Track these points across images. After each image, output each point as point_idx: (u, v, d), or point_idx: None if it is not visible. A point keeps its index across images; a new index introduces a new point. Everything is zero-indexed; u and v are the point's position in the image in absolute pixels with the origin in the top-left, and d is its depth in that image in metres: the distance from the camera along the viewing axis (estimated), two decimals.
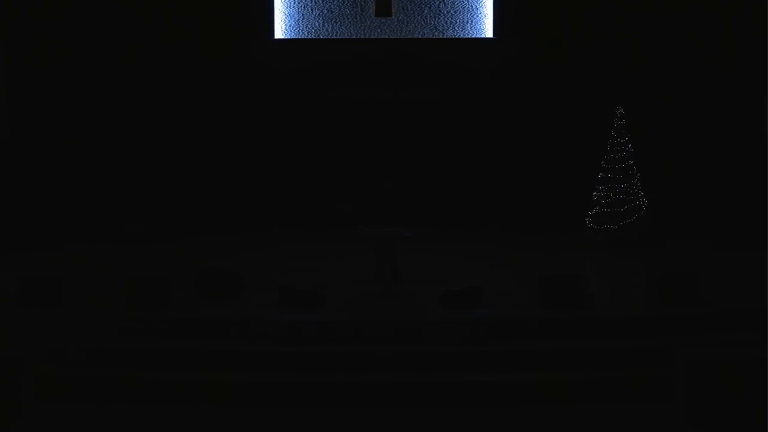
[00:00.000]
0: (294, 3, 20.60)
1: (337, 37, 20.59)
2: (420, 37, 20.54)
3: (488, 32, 20.46)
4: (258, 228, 20.08)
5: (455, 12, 20.53)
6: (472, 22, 20.51)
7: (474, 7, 20.50)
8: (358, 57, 20.38)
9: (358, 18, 20.65)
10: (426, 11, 20.56)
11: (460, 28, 20.54)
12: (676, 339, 11.59)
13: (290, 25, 20.61)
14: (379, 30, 20.62)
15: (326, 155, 20.53)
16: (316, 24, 20.62)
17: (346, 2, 20.65)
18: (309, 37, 20.61)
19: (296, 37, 20.60)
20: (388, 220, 13.56)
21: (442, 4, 20.53)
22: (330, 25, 20.61)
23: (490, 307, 12.52)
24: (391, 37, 20.55)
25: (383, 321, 11.94)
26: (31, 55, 19.81)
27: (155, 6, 20.03)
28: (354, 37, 20.58)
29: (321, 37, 20.61)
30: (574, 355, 11.36)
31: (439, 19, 20.54)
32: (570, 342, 11.64)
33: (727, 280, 14.07)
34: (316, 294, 12.58)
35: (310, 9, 20.61)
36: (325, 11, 20.62)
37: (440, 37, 20.54)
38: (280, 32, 20.58)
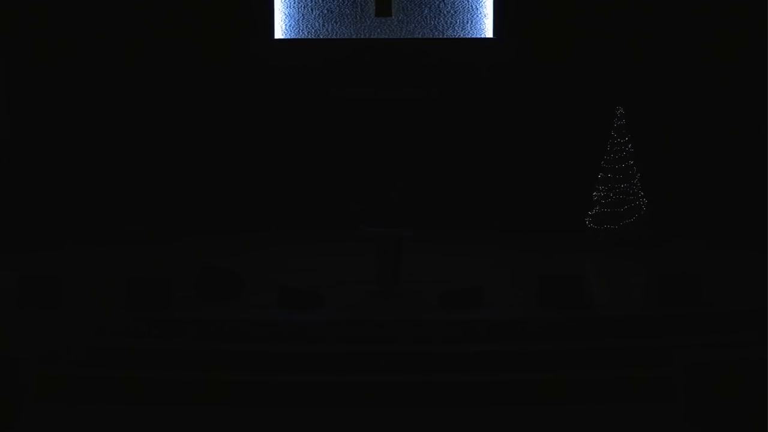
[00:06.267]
0: (294, 3, 20.61)
1: (337, 37, 20.60)
2: (420, 37, 20.54)
3: (488, 32, 20.46)
4: (258, 228, 20.08)
5: (455, 12, 20.53)
6: (472, 22, 20.52)
7: (474, 7, 20.51)
8: (358, 57, 20.39)
9: (358, 18, 20.65)
10: (426, 11, 20.57)
11: (460, 28, 20.54)
12: (676, 339, 11.60)
13: (290, 25, 20.62)
14: (379, 30, 20.62)
15: (326, 155, 20.53)
16: (316, 24, 20.63)
17: (346, 2, 20.65)
18: (309, 37, 20.62)
19: (296, 37, 20.61)
20: (390, 220, 13.54)
21: (442, 4, 20.53)
22: (330, 25, 20.61)
23: (490, 307, 12.52)
24: (391, 37, 20.56)
25: (383, 321, 11.94)
26: (30, 55, 19.81)
27: (155, 6, 20.03)
28: (354, 37, 20.58)
29: (321, 37, 20.61)
30: (574, 355, 11.36)
31: (439, 19, 20.54)
32: (570, 342, 11.64)
33: (727, 280, 14.06)
34: (316, 294, 12.58)
35: (310, 9, 20.61)
36: (325, 11, 20.62)
37: (440, 37, 20.54)
38: (280, 32, 20.58)
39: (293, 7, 20.61)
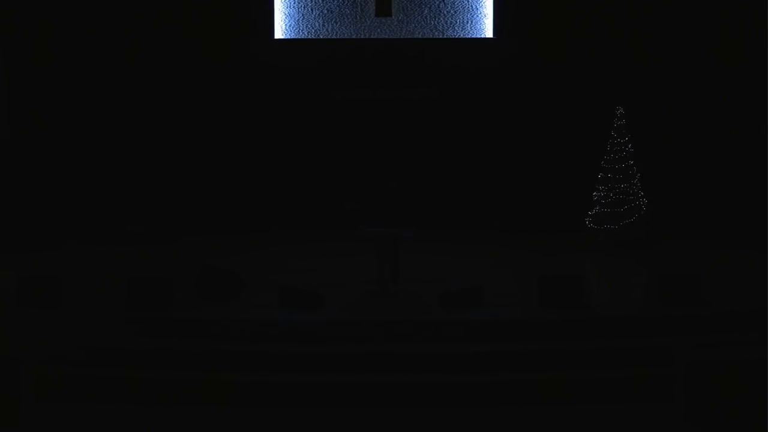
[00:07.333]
0: (294, 3, 20.60)
1: (337, 37, 20.59)
2: (420, 37, 20.53)
3: (488, 32, 20.46)
4: (258, 228, 20.07)
5: (455, 12, 20.53)
6: (472, 22, 20.51)
7: (474, 7, 20.50)
8: (358, 57, 20.38)
9: (358, 18, 20.65)
10: (426, 11, 20.56)
11: (460, 28, 20.54)
12: (676, 339, 11.60)
13: (290, 25, 20.61)
14: (379, 30, 20.62)
15: (326, 155, 20.53)
16: (316, 24, 20.62)
17: (346, 2, 20.65)
18: (309, 37, 20.61)
19: (296, 37, 20.60)
20: (389, 220, 13.54)
21: (442, 4, 20.53)
22: (330, 25, 20.61)
23: (490, 307, 12.52)
24: (391, 37, 20.55)
25: (383, 321, 11.94)
26: (30, 55, 19.80)
27: (155, 6, 20.03)
28: (354, 37, 20.57)
29: (321, 37, 20.61)
30: (574, 355, 11.36)
31: (439, 19, 20.54)
32: (570, 342, 11.64)
33: (727, 280, 14.07)
34: (316, 294, 12.58)
35: (310, 9, 20.61)
36: (325, 11, 20.62)
37: (440, 37, 20.53)
38: (280, 32, 20.58)
39: (293, 7, 20.61)
